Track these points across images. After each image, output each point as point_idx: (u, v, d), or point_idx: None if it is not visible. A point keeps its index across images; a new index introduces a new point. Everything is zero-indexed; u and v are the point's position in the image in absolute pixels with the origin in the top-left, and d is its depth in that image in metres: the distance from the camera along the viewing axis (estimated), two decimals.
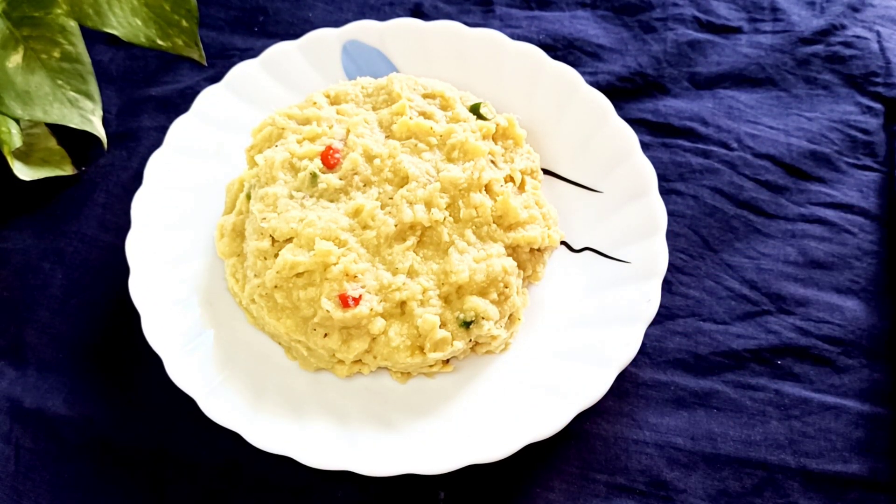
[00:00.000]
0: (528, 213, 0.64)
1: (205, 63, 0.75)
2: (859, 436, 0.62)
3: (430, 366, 0.62)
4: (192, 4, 0.73)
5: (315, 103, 0.68)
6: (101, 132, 0.71)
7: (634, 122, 0.76)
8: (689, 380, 0.65)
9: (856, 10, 0.83)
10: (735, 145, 0.75)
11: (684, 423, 0.63)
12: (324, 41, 0.74)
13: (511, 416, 0.59)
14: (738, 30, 0.82)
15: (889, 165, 0.74)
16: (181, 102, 0.79)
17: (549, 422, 0.58)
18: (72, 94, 0.71)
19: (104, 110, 0.75)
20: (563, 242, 0.68)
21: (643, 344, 0.65)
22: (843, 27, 0.81)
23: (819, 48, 0.80)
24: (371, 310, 0.59)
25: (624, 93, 0.79)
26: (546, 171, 0.71)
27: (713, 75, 0.80)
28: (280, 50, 0.74)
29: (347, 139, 0.64)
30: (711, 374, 0.65)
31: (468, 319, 0.60)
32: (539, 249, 0.65)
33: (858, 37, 0.81)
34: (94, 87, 0.72)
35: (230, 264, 0.65)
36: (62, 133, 0.74)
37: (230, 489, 0.61)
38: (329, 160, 0.63)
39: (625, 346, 0.60)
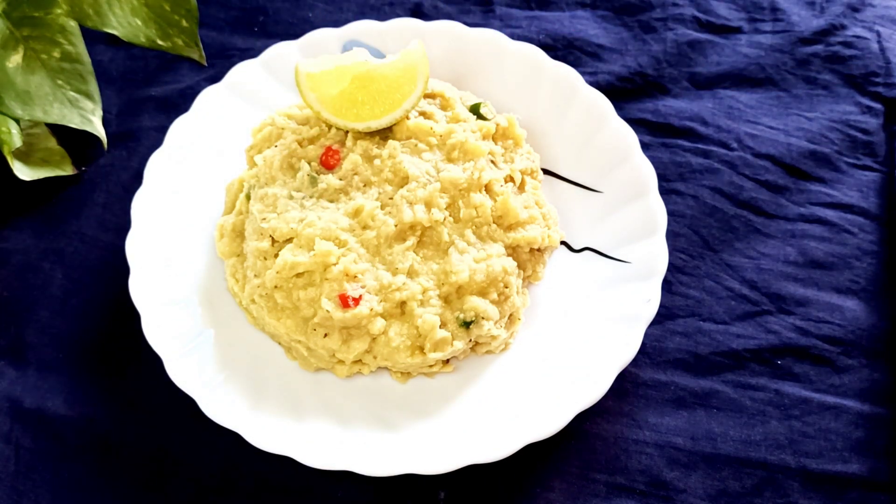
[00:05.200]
0: (528, 213, 0.64)
1: (205, 63, 0.75)
2: (859, 436, 0.62)
3: (430, 366, 0.62)
4: (192, 4, 0.73)
5: None
6: (101, 132, 0.71)
7: (634, 122, 0.76)
8: (689, 380, 0.65)
9: (856, 10, 0.83)
10: (735, 145, 0.75)
11: (684, 423, 0.63)
12: (324, 41, 0.74)
13: (511, 416, 0.59)
14: (738, 30, 0.82)
15: (889, 165, 0.74)
16: (181, 102, 0.79)
17: (549, 422, 0.58)
18: (72, 94, 0.71)
19: (104, 110, 0.75)
20: (563, 242, 0.68)
21: (643, 344, 0.65)
22: (843, 27, 0.81)
23: (819, 48, 0.80)
24: (371, 310, 0.59)
25: (624, 93, 0.79)
26: (546, 171, 0.71)
27: (713, 75, 0.80)
28: (280, 50, 0.74)
29: (347, 139, 0.64)
30: (711, 374, 0.65)
31: (468, 319, 0.60)
32: (539, 249, 0.65)
33: (858, 37, 0.81)
34: (94, 87, 0.72)
35: (230, 264, 0.65)
36: (62, 133, 0.74)
37: (230, 489, 0.61)
38: (329, 160, 0.63)
39: (625, 346, 0.60)
